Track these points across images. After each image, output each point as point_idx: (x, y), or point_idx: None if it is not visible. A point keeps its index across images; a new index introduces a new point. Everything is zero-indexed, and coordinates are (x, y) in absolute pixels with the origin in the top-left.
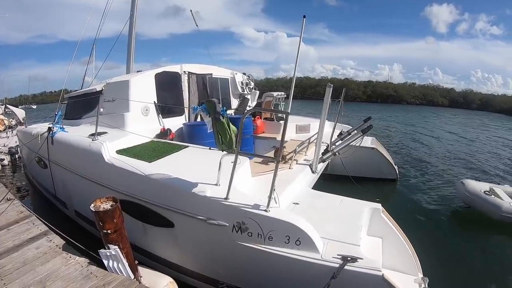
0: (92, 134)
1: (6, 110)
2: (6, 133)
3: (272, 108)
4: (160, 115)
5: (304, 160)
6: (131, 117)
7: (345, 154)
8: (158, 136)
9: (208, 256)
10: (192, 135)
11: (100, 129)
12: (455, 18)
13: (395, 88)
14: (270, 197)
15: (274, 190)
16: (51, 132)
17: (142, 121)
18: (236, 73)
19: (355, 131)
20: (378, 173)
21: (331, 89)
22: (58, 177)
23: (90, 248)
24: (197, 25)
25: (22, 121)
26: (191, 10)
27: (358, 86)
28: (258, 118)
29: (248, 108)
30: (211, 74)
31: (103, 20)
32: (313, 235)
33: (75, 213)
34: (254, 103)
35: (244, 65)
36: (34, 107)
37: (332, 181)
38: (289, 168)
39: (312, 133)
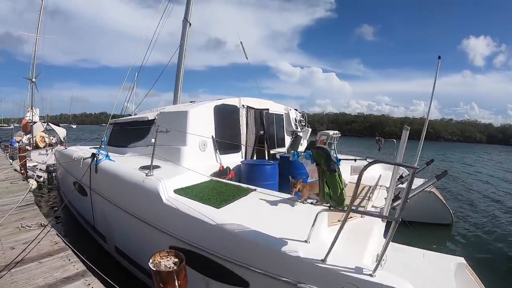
0: (145, 167)
1: (47, 127)
2: (46, 151)
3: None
4: (217, 150)
5: (372, 207)
6: (188, 152)
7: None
8: (216, 174)
9: None
10: (252, 175)
11: (149, 162)
12: (492, 50)
13: (432, 125)
14: (380, 260)
15: (384, 253)
16: (95, 159)
17: (199, 157)
18: (290, 109)
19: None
20: (432, 217)
21: (408, 132)
22: (99, 207)
23: None
24: (246, 58)
25: (63, 140)
26: (241, 42)
27: (395, 122)
28: None
29: (300, 146)
30: (268, 109)
31: (149, 51)
32: None
33: (115, 249)
34: (306, 141)
35: (280, 99)
36: (74, 126)
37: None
38: (361, 217)
39: (366, 175)
